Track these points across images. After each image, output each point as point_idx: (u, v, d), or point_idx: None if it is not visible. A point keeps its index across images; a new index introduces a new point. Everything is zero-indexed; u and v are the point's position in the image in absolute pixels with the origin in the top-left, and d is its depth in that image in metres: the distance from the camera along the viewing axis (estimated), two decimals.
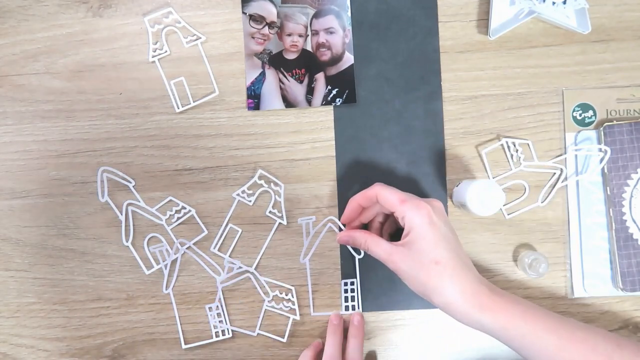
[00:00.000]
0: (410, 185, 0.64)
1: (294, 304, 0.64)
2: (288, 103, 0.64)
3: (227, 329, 0.64)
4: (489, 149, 0.63)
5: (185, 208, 0.64)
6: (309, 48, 0.65)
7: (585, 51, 0.64)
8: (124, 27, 0.65)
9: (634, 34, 0.64)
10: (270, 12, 0.65)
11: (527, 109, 0.64)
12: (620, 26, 0.64)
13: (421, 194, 0.64)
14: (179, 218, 0.64)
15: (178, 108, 0.65)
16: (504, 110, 0.64)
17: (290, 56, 0.65)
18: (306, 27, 0.64)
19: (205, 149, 0.65)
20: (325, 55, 0.64)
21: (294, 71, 0.65)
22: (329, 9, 0.64)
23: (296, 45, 0.64)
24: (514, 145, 0.63)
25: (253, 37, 0.65)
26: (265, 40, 0.65)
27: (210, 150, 0.65)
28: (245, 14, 0.65)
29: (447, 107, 0.64)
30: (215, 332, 0.64)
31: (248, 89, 0.65)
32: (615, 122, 0.62)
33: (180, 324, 0.64)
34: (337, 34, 0.64)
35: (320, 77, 0.64)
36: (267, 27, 0.65)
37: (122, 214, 0.64)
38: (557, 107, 0.64)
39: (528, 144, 0.63)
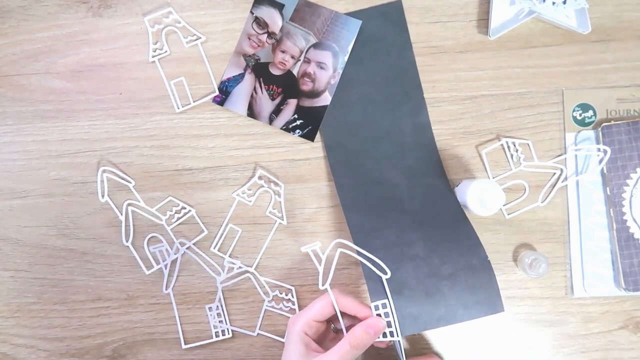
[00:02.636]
0: (416, 198, 0.62)
1: (294, 304, 0.64)
2: (251, 112, 0.64)
3: (227, 329, 0.64)
4: (489, 149, 0.63)
5: (185, 208, 0.64)
6: (295, 72, 0.64)
7: (585, 51, 0.64)
8: (124, 27, 0.65)
9: (634, 34, 0.64)
10: (275, 23, 0.64)
11: (527, 109, 0.64)
12: (620, 26, 0.64)
13: (429, 200, 0.62)
14: (179, 218, 0.64)
15: (178, 108, 0.65)
16: (504, 110, 0.64)
17: (275, 72, 0.64)
18: (302, 52, 0.64)
19: (205, 149, 0.65)
20: (307, 86, 0.64)
21: (271, 86, 0.64)
22: (329, 45, 0.64)
23: (284, 64, 0.64)
24: (514, 145, 0.63)
25: (249, 39, 0.65)
26: (259, 46, 0.64)
27: (210, 150, 0.65)
28: (252, 13, 0.65)
29: (447, 107, 0.64)
30: (215, 332, 0.64)
31: (222, 82, 0.64)
32: (613, 122, 0.62)
33: (180, 324, 0.64)
34: (327, 71, 0.64)
35: (292, 103, 0.64)
36: (266, 35, 0.64)
37: (122, 214, 0.64)
38: (557, 107, 0.64)
39: (528, 144, 0.63)
